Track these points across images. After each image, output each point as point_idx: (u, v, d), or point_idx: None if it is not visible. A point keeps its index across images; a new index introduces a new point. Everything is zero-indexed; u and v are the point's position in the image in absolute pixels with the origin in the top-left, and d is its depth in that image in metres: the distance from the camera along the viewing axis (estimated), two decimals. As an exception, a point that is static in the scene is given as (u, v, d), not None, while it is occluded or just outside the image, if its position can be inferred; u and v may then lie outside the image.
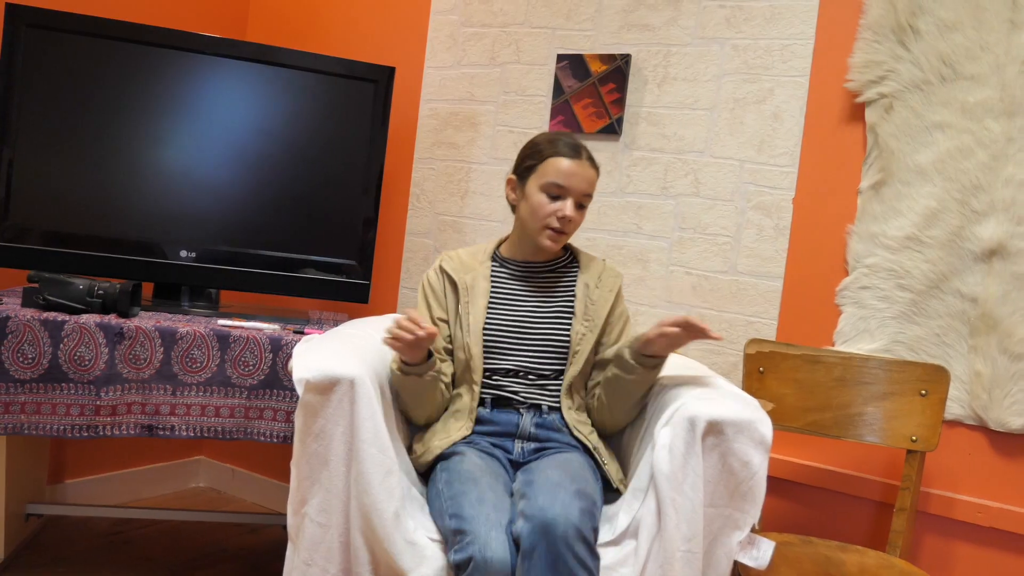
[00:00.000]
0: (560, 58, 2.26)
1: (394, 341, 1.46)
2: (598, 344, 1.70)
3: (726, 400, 1.49)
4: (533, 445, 1.64)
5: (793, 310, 1.98)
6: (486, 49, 2.39)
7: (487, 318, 1.67)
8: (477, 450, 1.59)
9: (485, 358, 1.66)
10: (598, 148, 2.20)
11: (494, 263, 1.75)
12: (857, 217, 1.91)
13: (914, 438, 1.73)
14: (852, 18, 1.91)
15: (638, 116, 2.17)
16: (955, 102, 1.82)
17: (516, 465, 1.62)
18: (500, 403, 1.66)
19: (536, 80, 2.31)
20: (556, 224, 1.61)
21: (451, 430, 1.62)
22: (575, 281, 1.74)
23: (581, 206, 1.64)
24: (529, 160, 1.64)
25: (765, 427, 1.46)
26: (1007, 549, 1.77)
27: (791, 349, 1.84)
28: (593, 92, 2.22)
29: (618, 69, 2.18)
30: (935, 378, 1.73)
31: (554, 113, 2.27)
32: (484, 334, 1.66)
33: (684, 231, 2.10)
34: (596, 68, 2.21)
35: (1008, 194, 1.77)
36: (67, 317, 1.71)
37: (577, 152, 1.62)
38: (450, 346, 1.69)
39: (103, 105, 2.06)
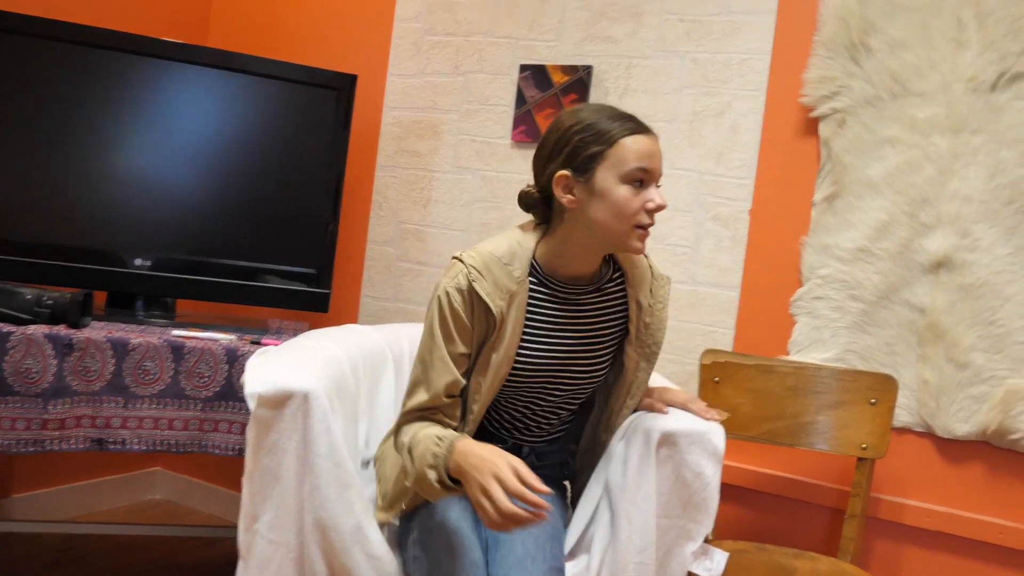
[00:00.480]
0: (523, 68, 2.28)
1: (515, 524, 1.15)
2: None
3: (680, 412, 1.51)
4: None
5: (749, 320, 2.01)
6: (450, 58, 2.40)
7: (516, 359, 1.38)
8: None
9: (494, 402, 1.44)
10: (559, 158, 2.22)
11: (533, 281, 1.38)
12: (811, 229, 1.95)
13: (864, 446, 1.77)
14: (807, 35, 1.96)
15: (598, 127, 2.19)
16: (905, 118, 1.87)
17: None
18: (481, 437, 1.47)
19: (499, 89, 2.33)
20: (647, 220, 1.30)
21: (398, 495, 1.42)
22: (624, 299, 1.45)
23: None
24: (593, 146, 1.28)
25: (718, 438, 1.49)
26: (954, 552, 1.81)
27: (746, 359, 1.87)
28: (555, 102, 2.24)
29: (580, 80, 2.21)
30: (884, 387, 1.77)
31: (516, 123, 2.28)
32: (507, 380, 1.39)
33: (649, 241, 2.12)
34: (558, 79, 2.23)
35: (954, 208, 1.82)
36: (13, 328, 1.68)
37: (644, 125, 1.32)
38: (464, 381, 1.37)
39: (56, 109, 2.03)
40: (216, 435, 1.79)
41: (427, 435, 1.28)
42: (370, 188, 2.51)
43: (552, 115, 2.23)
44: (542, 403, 1.46)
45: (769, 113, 2.00)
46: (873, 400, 1.78)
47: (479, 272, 1.32)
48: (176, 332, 1.86)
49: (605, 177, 1.28)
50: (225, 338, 1.87)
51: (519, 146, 2.29)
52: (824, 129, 1.94)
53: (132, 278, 2.08)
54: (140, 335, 1.78)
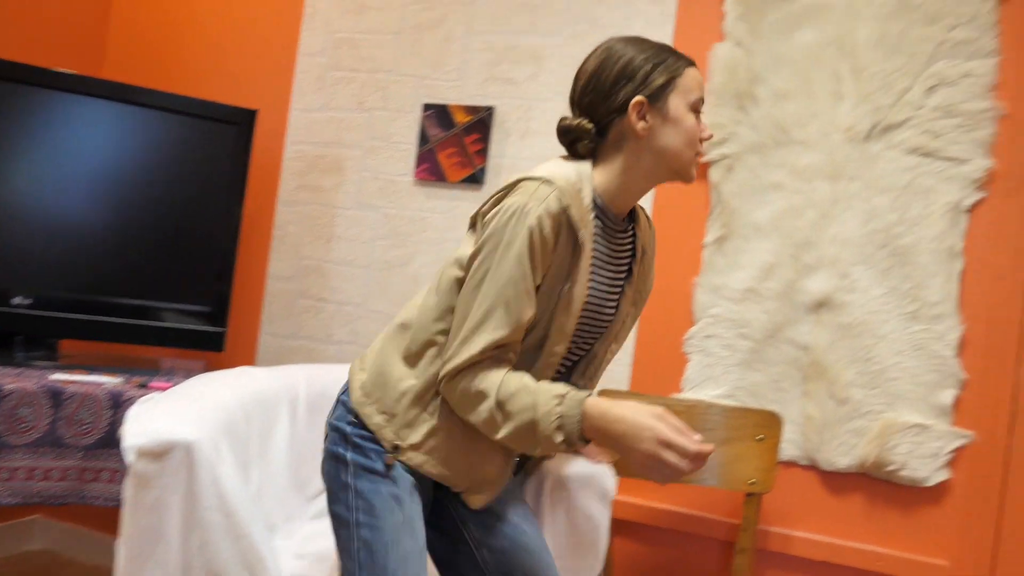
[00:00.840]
0: (426, 107, 2.30)
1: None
2: None
3: (571, 456, 1.55)
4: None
5: (646, 357, 2.08)
6: (354, 94, 2.41)
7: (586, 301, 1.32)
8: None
9: None
10: (462, 197, 2.25)
11: (596, 214, 1.32)
12: (702, 270, 2.03)
13: (752, 481, 1.84)
14: (697, 83, 2.05)
15: (500, 167, 2.23)
16: (788, 164, 1.98)
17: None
18: None
19: (403, 127, 2.34)
20: (703, 148, 1.36)
21: (489, 463, 1.31)
22: (635, 241, 1.41)
23: None
24: (662, 74, 1.28)
25: (608, 481, 1.53)
26: (838, 582, 1.91)
27: (640, 398, 1.93)
28: (457, 142, 2.27)
29: (482, 120, 2.25)
30: (770, 424, 1.86)
31: (419, 161, 2.30)
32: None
33: (544, 280, 2.17)
34: (460, 118, 2.27)
35: (833, 251, 1.93)
36: None
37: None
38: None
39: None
40: (97, 485, 1.73)
41: (532, 390, 1.19)
42: (270, 223, 2.48)
43: (455, 154, 2.26)
44: (572, 354, 1.38)
45: (663, 157, 2.08)
46: (760, 436, 1.86)
47: (565, 192, 1.22)
48: (56, 376, 1.79)
49: (676, 103, 1.28)
50: (110, 381, 1.81)
51: (422, 184, 2.30)
52: (714, 174, 2.03)
53: (10, 317, 1.99)
54: (15, 380, 1.70)
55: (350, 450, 1.30)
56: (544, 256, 1.22)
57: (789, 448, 1.95)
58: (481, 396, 1.21)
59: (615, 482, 1.53)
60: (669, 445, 1.11)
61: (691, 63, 1.31)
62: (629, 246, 1.39)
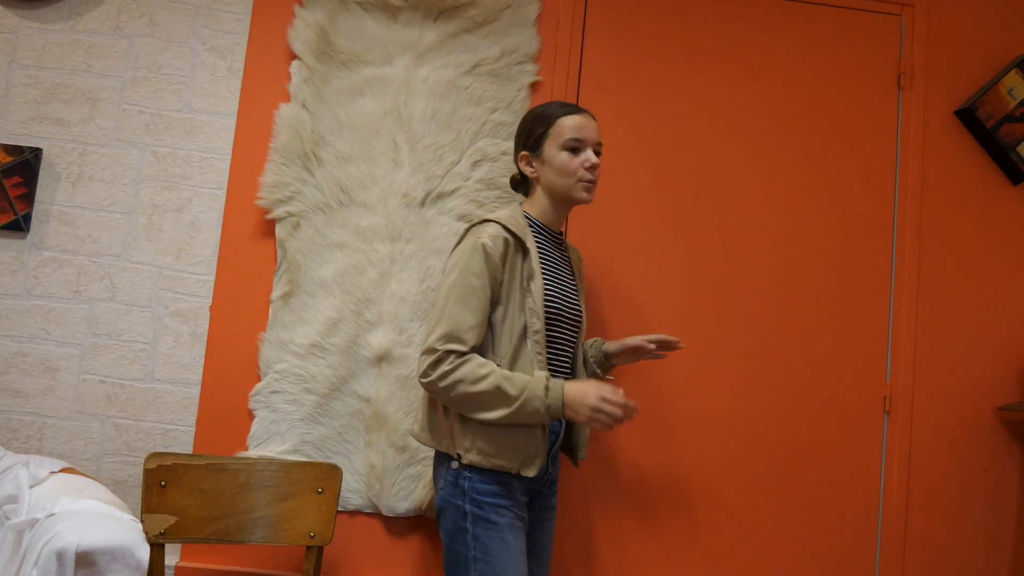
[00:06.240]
0: (-43, 140, 2.13)
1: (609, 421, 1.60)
2: None
3: (99, 526, 1.54)
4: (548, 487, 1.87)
5: (210, 416, 2.13)
6: None
7: (544, 288, 1.73)
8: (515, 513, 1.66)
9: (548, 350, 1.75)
10: (2, 247, 2.12)
11: (531, 227, 1.80)
12: (269, 325, 2.15)
13: (312, 534, 1.98)
14: (264, 140, 2.19)
15: (49, 214, 2.14)
16: (351, 225, 2.20)
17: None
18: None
19: (-75, 161, 2.13)
20: (587, 175, 1.75)
21: (530, 451, 1.67)
22: (570, 260, 1.93)
23: (597, 154, 1.79)
24: (538, 129, 1.77)
25: (142, 551, 1.55)
26: (398, 622, 2.12)
27: (195, 460, 1.97)
28: (-4, 183, 2.13)
29: (26, 162, 2.14)
30: (329, 476, 2.02)
31: (-54, 201, 2.11)
32: (545, 307, 1.72)
33: (98, 337, 2.12)
34: (0, 159, 2.14)
35: (392, 307, 2.18)
36: None
37: (578, 108, 1.79)
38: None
39: None
40: None
41: (522, 378, 1.62)
42: None
43: (-9, 197, 2.13)
44: (571, 346, 1.82)
45: (229, 212, 2.17)
46: (320, 489, 2.01)
47: (499, 220, 1.70)
48: None
49: (548, 149, 1.75)
50: None
51: (-52, 229, 2.12)
52: (280, 231, 2.17)
53: None
54: None
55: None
56: (493, 271, 1.67)
57: (354, 498, 2.14)
58: (481, 379, 1.62)
59: (148, 553, 1.56)
60: (606, 401, 1.60)
61: (569, 112, 1.76)
62: (569, 261, 1.90)
